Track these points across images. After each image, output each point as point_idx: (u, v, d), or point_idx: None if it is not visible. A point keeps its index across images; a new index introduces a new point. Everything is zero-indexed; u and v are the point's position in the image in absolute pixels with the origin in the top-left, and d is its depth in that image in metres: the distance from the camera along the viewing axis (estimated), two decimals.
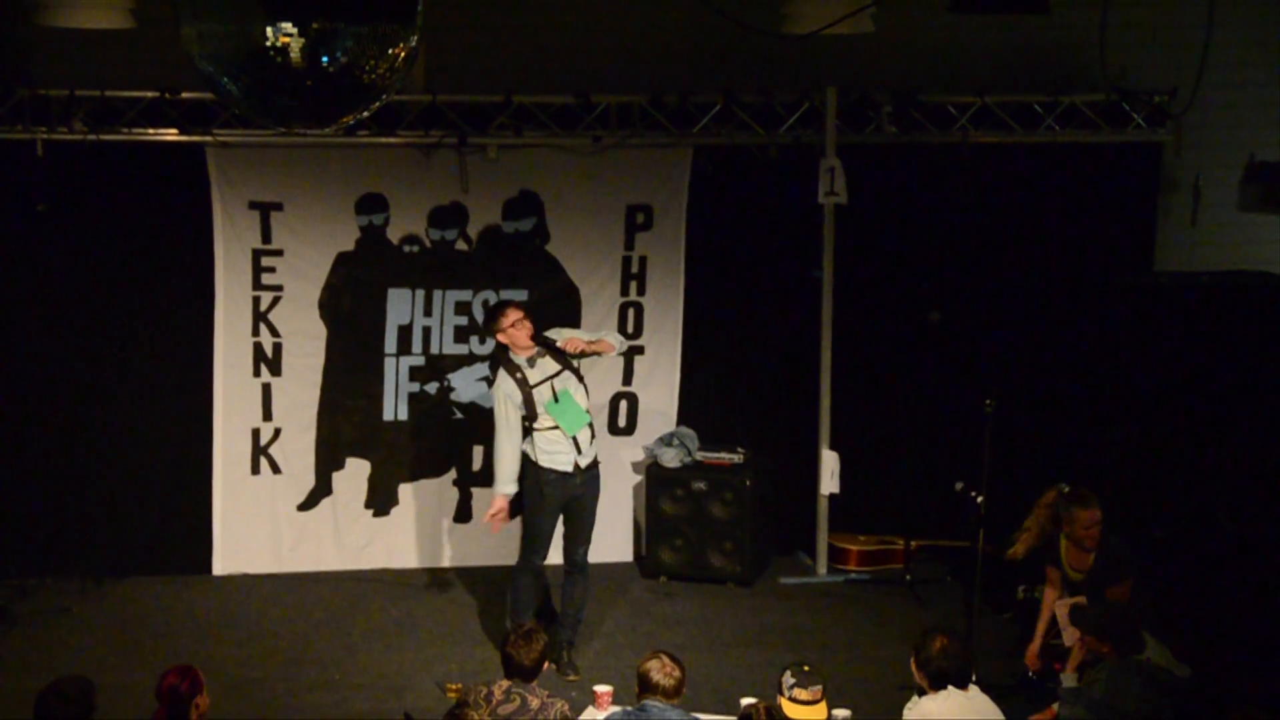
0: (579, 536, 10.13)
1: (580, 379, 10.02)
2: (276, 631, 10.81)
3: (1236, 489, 9.88)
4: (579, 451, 9.95)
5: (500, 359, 10.06)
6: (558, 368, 9.93)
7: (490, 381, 10.75)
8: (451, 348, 11.81)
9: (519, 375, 9.90)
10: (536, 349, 9.89)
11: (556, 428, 9.89)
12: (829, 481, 11.84)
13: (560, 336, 10.03)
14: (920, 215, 12.03)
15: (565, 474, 9.94)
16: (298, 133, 10.58)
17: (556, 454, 9.93)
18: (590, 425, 10.03)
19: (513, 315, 9.85)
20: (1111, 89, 11.67)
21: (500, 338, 9.92)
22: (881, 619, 11.15)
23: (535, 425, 9.90)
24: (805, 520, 12.06)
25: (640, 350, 12.02)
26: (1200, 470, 9.87)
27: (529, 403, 9.87)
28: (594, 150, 11.64)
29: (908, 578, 11.69)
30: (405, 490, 11.93)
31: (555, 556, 10.24)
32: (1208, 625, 9.57)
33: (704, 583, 11.64)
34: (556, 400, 9.86)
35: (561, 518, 10.13)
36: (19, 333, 11.37)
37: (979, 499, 10.06)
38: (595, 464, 10.11)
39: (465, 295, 11.76)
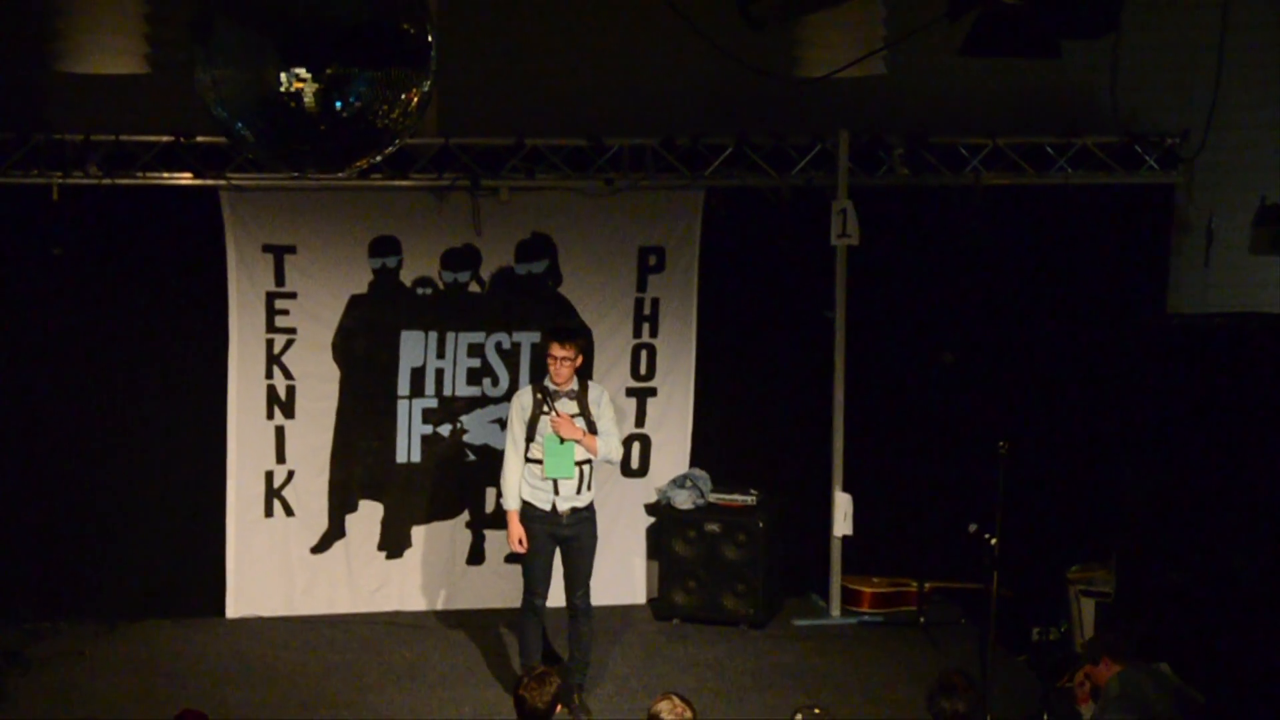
0: (575, 580, 10.11)
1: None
2: (289, 674, 10.79)
3: (1252, 532, 9.84)
4: (556, 493, 9.96)
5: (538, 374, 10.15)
6: (576, 411, 9.95)
7: (503, 424, 10.76)
8: (464, 390, 11.82)
9: (539, 395, 9.95)
10: (570, 389, 9.92)
11: (541, 463, 9.92)
12: (842, 523, 11.83)
13: (594, 394, 10.05)
14: (932, 257, 12.04)
15: (546, 512, 9.96)
16: (311, 176, 10.65)
17: (537, 490, 9.97)
18: (582, 478, 9.99)
19: (556, 351, 9.84)
20: (1123, 131, 11.70)
21: (547, 358, 9.97)
22: (895, 661, 11.12)
23: (529, 450, 9.95)
24: (818, 562, 12.03)
25: (653, 392, 12.02)
26: (1215, 512, 9.83)
27: (532, 423, 9.92)
28: (606, 192, 11.67)
29: (921, 620, 11.67)
30: (418, 532, 11.93)
31: (560, 598, 10.21)
32: (1225, 669, 9.53)
33: (717, 625, 11.61)
34: (561, 441, 9.88)
35: (560, 560, 10.13)
36: (34, 376, 11.40)
37: (993, 541, 10.03)
38: (587, 510, 10.08)
39: (478, 337, 11.78)
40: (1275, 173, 12.30)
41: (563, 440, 9.88)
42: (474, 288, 11.75)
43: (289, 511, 11.73)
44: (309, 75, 5.32)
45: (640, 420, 12.03)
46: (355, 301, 11.63)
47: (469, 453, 11.87)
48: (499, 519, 11.35)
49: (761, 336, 12.10)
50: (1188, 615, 9.79)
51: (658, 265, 11.89)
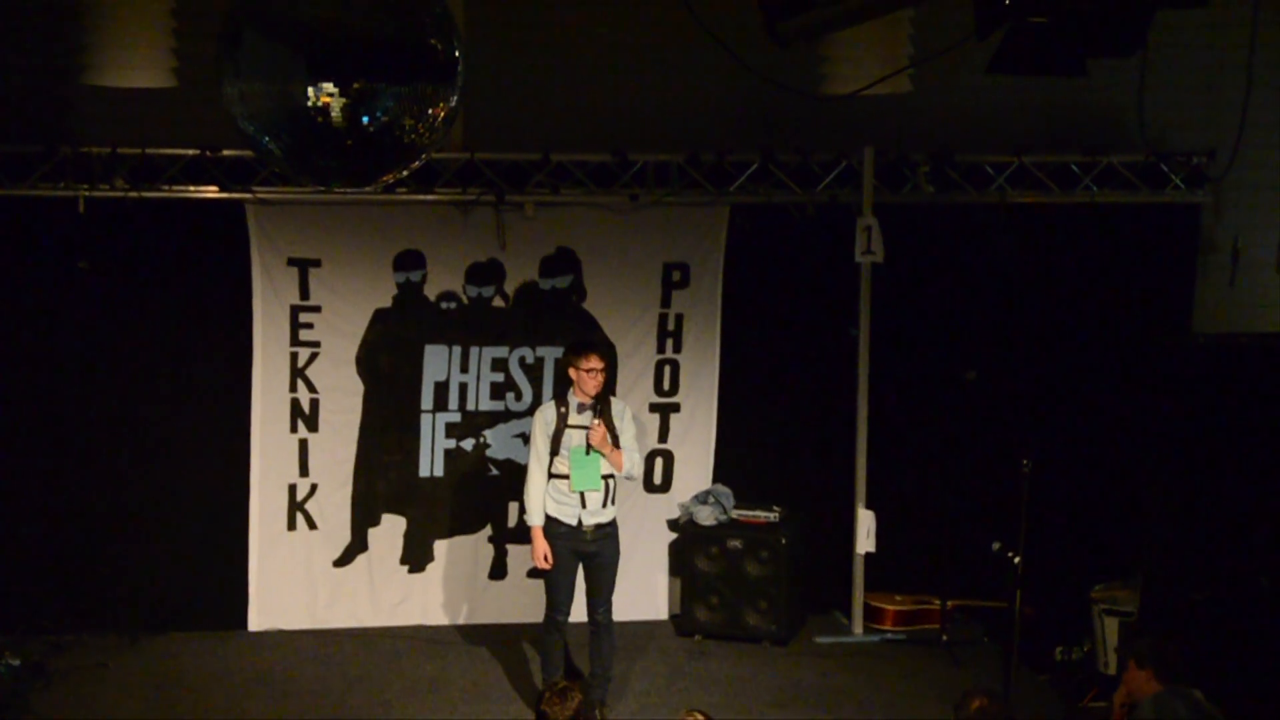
0: (597, 595, 10.11)
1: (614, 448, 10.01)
2: (311, 688, 10.80)
3: (1277, 551, 9.82)
4: (583, 507, 9.95)
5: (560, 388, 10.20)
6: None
7: (526, 439, 10.76)
8: (488, 404, 11.83)
9: (563, 410, 9.95)
10: (594, 401, 9.92)
11: (566, 477, 9.91)
12: (865, 540, 11.80)
13: (616, 409, 10.04)
14: (957, 274, 12.03)
15: (571, 527, 9.95)
16: (337, 190, 10.68)
17: (563, 505, 9.95)
18: (607, 492, 9.99)
19: (593, 363, 9.84)
20: (1149, 150, 11.68)
21: (571, 372, 9.95)
22: (918, 680, 11.09)
23: (553, 465, 9.94)
24: (841, 579, 12.02)
25: (676, 408, 12.02)
26: (1240, 532, 9.80)
27: (557, 437, 9.92)
28: (631, 208, 11.68)
29: (944, 638, 11.63)
30: (440, 546, 11.93)
31: (582, 614, 10.21)
32: (1251, 691, 9.49)
33: (739, 641, 11.59)
34: (587, 454, 9.88)
35: (583, 575, 10.13)
36: (58, 388, 11.42)
37: (1015, 559, 10.02)
38: (611, 525, 10.06)
39: (502, 352, 11.79)
40: None
41: (589, 451, 9.88)
42: (498, 302, 11.76)
43: (312, 525, 11.75)
44: (336, 90, 5.33)
45: (663, 436, 12.03)
46: (379, 315, 11.65)
47: (492, 467, 11.88)
48: (521, 534, 11.37)
49: (785, 353, 12.09)
50: (1212, 635, 9.75)
51: (682, 281, 11.90)
